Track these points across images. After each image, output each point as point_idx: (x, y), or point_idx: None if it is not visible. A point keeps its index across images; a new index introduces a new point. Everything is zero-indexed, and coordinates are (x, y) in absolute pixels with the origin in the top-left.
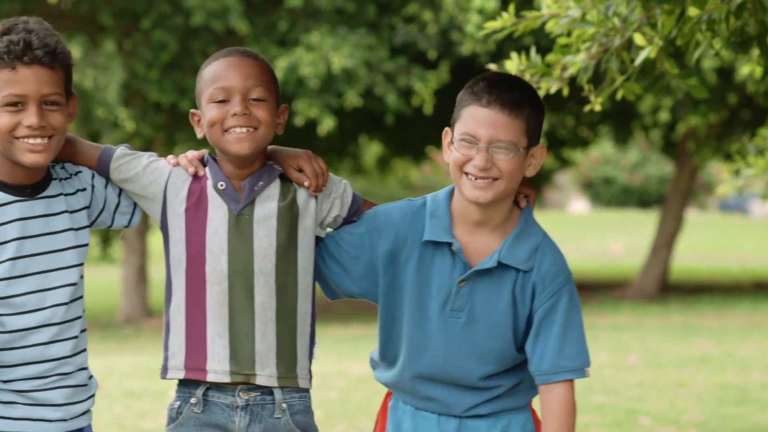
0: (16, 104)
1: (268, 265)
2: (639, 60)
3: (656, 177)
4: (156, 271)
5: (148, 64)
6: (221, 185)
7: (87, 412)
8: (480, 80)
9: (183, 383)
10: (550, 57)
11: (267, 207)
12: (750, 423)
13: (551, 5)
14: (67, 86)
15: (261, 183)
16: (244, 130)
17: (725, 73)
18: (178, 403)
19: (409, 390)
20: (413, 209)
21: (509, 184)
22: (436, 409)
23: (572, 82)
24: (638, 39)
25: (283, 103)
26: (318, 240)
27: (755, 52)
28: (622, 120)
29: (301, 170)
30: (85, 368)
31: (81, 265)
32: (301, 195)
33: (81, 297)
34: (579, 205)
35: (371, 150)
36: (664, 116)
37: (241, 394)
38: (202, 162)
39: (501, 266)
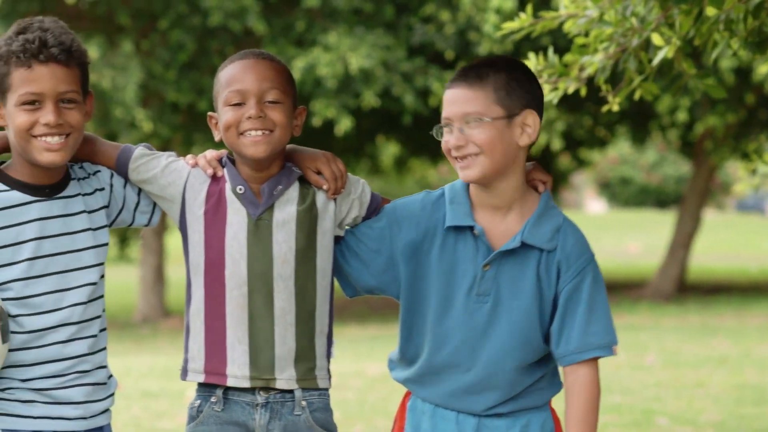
0: (33, 102)
1: (287, 270)
2: (657, 60)
3: (674, 177)
4: (173, 271)
5: (166, 65)
6: (240, 189)
7: (106, 411)
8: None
9: (203, 384)
10: (568, 57)
11: (286, 211)
12: None
13: (569, 5)
14: (83, 84)
15: (280, 187)
16: (260, 133)
17: (743, 73)
18: (199, 401)
19: (429, 384)
20: (432, 199)
21: (494, 156)
22: (456, 405)
23: (590, 82)
24: (656, 39)
25: (300, 103)
26: (337, 239)
27: None
28: (639, 120)
29: (319, 172)
30: (104, 367)
31: (101, 264)
32: (320, 197)
33: (101, 296)
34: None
35: (388, 150)
36: (682, 116)
37: (261, 392)
38: (221, 163)
39: (524, 247)
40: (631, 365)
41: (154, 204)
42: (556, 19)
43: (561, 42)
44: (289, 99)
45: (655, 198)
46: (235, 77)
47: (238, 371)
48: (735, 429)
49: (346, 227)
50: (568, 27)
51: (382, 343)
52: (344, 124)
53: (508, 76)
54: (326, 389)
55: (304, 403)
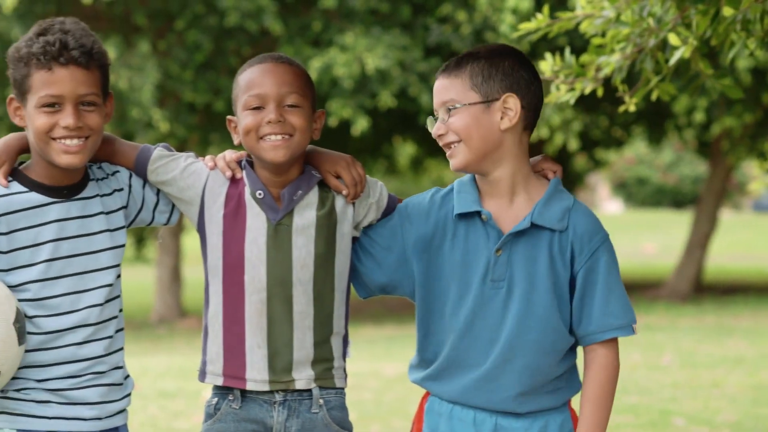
0: (53, 105)
1: (306, 274)
2: (673, 60)
3: (690, 177)
4: (190, 272)
5: (183, 65)
6: (259, 194)
7: (122, 411)
8: None
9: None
10: (585, 57)
11: (306, 216)
12: None
13: (585, 6)
14: (103, 86)
15: (300, 192)
16: (279, 137)
17: (760, 73)
18: (216, 399)
19: (448, 378)
20: (442, 194)
21: (472, 142)
22: (473, 400)
23: (606, 82)
24: (673, 39)
25: (317, 104)
26: (353, 240)
27: None
28: (655, 120)
29: (339, 176)
30: (121, 367)
31: (117, 266)
32: (339, 202)
33: (117, 297)
34: (613, 206)
35: (405, 150)
36: (699, 117)
37: (279, 391)
38: (240, 166)
39: (535, 228)
40: (648, 365)
41: (173, 203)
42: (573, 19)
43: (578, 42)
44: (309, 103)
45: (672, 198)
46: (254, 81)
47: (257, 375)
48: (751, 429)
49: (362, 228)
50: (585, 27)
51: (399, 343)
52: (361, 125)
53: (488, 62)
54: (342, 388)
55: (321, 401)
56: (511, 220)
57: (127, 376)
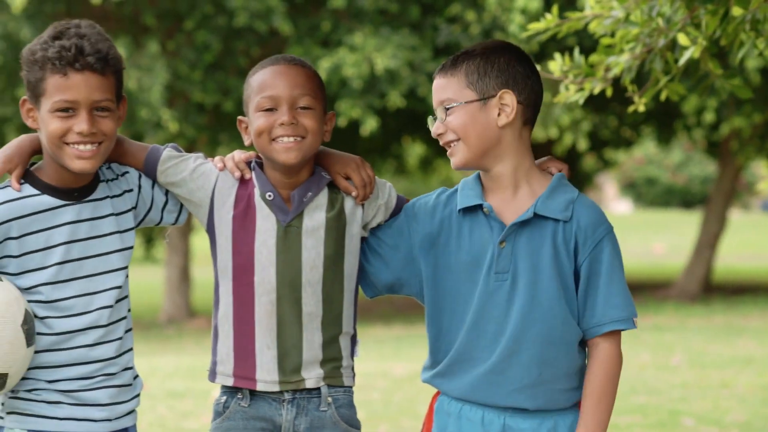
0: (67, 110)
1: (315, 276)
2: (683, 60)
3: (699, 177)
4: (199, 272)
5: (192, 65)
6: (269, 196)
7: (132, 412)
8: None
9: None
10: (594, 57)
11: (315, 218)
12: None
13: (594, 6)
14: (117, 91)
15: (310, 194)
16: (291, 139)
17: None
18: (225, 397)
19: (458, 373)
20: (448, 193)
21: (470, 139)
22: (482, 397)
23: (616, 82)
24: (682, 39)
25: (327, 104)
26: (361, 240)
27: None
28: (664, 120)
29: (348, 178)
30: (130, 368)
31: (126, 267)
32: (348, 203)
33: (126, 297)
34: (622, 206)
35: (414, 150)
36: (708, 117)
37: (288, 390)
38: (249, 167)
39: (538, 219)
40: (657, 366)
41: (182, 204)
42: (582, 19)
43: (587, 42)
44: (320, 105)
45: (681, 198)
46: (266, 83)
47: (267, 376)
48: (761, 429)
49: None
50: (594, 27)
51: (408, 343)
52: (370, 125)
53: (483, 60)
54: (351, 386)
55: (329, 399)
56: (513, 212)
57: (137, 377)
